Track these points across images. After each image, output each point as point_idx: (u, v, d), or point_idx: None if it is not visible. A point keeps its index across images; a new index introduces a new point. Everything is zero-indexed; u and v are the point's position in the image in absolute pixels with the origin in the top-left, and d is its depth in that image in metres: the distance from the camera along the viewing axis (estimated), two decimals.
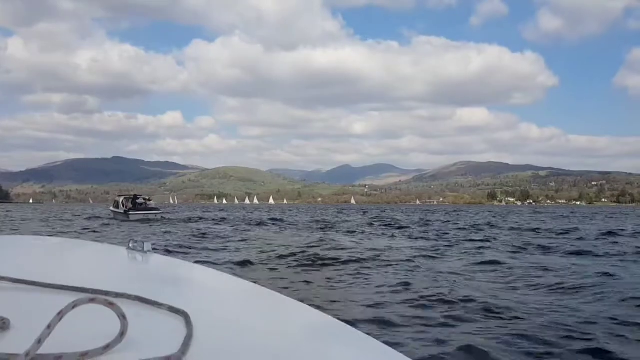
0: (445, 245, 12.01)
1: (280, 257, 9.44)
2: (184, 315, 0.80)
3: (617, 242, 13.35)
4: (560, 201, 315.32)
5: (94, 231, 18.22)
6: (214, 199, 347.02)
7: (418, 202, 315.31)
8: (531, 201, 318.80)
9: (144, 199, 32.46)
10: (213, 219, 30.33)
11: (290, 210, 63.60)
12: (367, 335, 0.81)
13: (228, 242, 13.33)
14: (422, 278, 6.83)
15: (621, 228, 20.91)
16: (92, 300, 0.67)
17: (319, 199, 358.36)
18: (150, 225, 22.02)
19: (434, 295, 5.48)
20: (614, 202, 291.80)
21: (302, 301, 1.04)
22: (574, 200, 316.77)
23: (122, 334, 0.67)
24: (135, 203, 30.81)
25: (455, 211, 61.79)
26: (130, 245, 1.53)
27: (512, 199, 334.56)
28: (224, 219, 31.13)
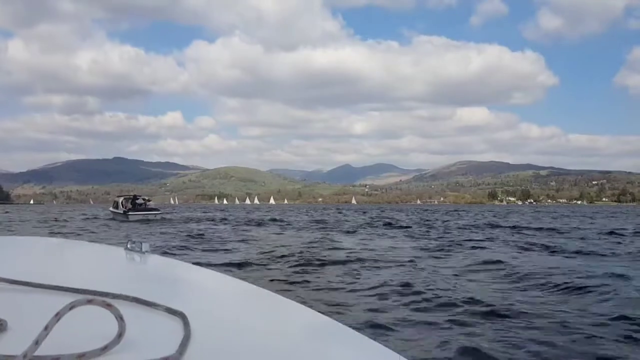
0: (447, 245, 11.90)
1: (279, 257, 9.34)
2: (182, 316, 0.80)
3: (620, 242, 13.25)
4: (561, 200, 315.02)
5: (92, 232, 18.10)
6: (214, 199, 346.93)
7: (419, 202, 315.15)
8: (532, 200, 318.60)
9: (144, 199, 32.37)
10: (213, 219, 30.27)
11: (291, 210, 63.53)
12: (366, 336, 0.81)
13: (227, 242, 13.24)
14: (423, 278, 6.71)
15: (623, 227, 20.82)
16: (89, 302, 0.67)
17: (320, 199, 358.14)
18: (150, 226, 21.93)
19: (435, 296, 5.37)
20: (615, 201, 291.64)
21: (300, 302, 1.04)
22: (575, 199, 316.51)
23: (120, 335, 0.67)
24: (134, 203, 30.73)
25: (455, 210, 61.72)
26: (128, 245, 1.53)
27: (512, 199, 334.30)
28: (224, 219, 31.06)
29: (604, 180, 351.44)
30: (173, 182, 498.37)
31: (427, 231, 18.30)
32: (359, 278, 6.89)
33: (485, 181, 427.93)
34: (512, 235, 15.88)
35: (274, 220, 29.20)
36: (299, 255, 9.49)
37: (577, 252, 10.40)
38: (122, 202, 30.87)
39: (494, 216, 38.09)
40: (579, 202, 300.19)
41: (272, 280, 6.86)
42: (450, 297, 5.35)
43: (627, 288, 5.83)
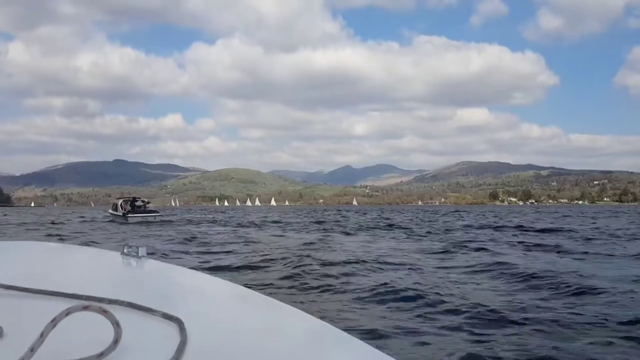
0: (450, 247, 11.66)
1: (278, 260, 9.12)
2: (178, 321, 0.79)
3: (625, 242, 13.01)
4: (562, 200, 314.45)
5: (88, 235, 17.86)
6: (215, 201, 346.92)
7: (420, 203, 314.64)
8: (533, 201, 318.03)
9: (143, 201, 32.29)
10: (213, 221, 30.07)
11: (292, 212, 63.32)
12: (363, 341, 0.80)
13: (227, 245, 13.02)
14: (426, 281, 6.52)
15: (626, 227, 20.59)
16: (85, 308, 0.67)
17: (321, 200, 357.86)
18: (149, 228, 21.71)
19: (439, 301, 5.19)
20: (616, 201, 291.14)
21: (297, 306, 1.03)
22: (576, 199, 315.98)
23: (116, 341, 0.67)
24: (134, 206, 30.69)
25: (456, 211, 61.48)
26: (125, 250, 1.52)
27: (514, 199, 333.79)
28: (224, 221, 30.87)
29: (605, 180, 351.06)
30: (174, 184, 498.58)
31: (429, 232, 18.07)
32: (359, 281, 6.65)
33: (486, 182, 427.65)
34: (516, 236, 15.64)
35: (275, 222, 29.02)
36: (298, 257, 9.27)
37: (584, 253, 10.19)
38: (121, 205, 30.78)
39: (496, 217, 37.85)
40: (580, 202, 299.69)
41: (270, 284, 6.64)
42: (455, 301, 5.14)
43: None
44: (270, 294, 1.05)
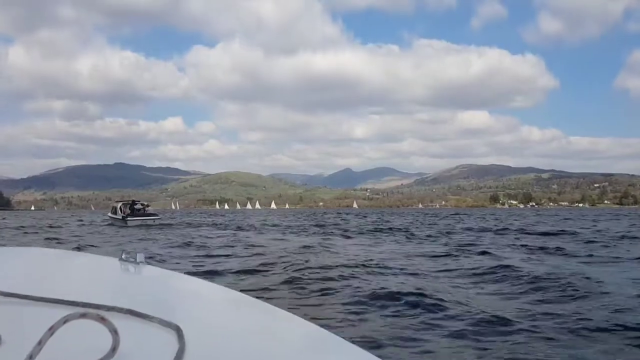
0: (452, 250, 11.52)
1: (277, 264, 8.98)
2: (176, 328, 0.79)
3: (630, 245, 12.86)
4: (562, 203, 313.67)
5: (86, 239, 17.71)
6: (215, 204, 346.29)
7: (420, 206, 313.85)
8: (534, 204, 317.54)
9: (142, 204, 32.19)
10: (213, 224, 29.94)
11: (292, 215, 63.19)
12: (362, 349, 0.80)
13: (225, 248, 12.88)
14: (425, 285, 6.39)
15: (627, 230, 20.44)
16: (83, 315, 0.66)
17: (321, 204, 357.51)
18: (148, 232, 21.57)
19: (438, 305, 5.03)
20: (617, 203, 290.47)
21: (295, 313, 1.02)
22: (577, 202, 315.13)
23: (114, 349, 0.67)
24: (133, 209, 30.60)
25: (457, 214, 61.28)
26: (123, 256, 1.52)
27: (514, 202, 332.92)
28: (224, 224, 30.74)
29: (606, 183, 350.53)
30: (174, 188, 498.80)
31: (430, 235, 17.91)
32: (359, 285, 6.49)
33: (487, 184, 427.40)
34: (518, 239, 15.48)
35: (275, 225, 28.89)
36: (298, 261, 9.14)
37: (588, 256, 10.04)
38: (120, 208, 30.71)
39: (497, 219, 37.69)
40: (580, 205, 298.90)
41: (269, 289, 6.52)
42: (459, 306, 4.97)
43: None
44: (268, 300, 1.03)
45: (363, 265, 8.47)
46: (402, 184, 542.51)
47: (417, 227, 24.48)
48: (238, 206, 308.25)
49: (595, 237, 15.88)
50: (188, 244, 14.09)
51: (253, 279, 7.57)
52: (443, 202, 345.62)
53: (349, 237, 17.40)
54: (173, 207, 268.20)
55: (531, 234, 18.23)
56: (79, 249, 12.41)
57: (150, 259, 9.50)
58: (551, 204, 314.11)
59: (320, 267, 8.29)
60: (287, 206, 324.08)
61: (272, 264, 9.05)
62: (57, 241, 15.83)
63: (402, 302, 5.29)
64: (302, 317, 1.02)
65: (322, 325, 0.93)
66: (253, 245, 13.77)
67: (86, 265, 1.69)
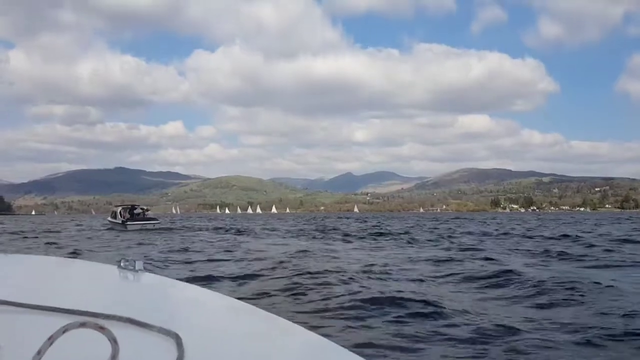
0: (455, 255, 11.37)
1: (276, 268, 8.86)
2: (175, 336, 0.79)
3: (634, 249, 12.71)
4: (563, 207, 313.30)
5: (82, 243, 17.56)
6: (216, 208, 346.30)
7: (421, 210, 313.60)
8: (535, 208, 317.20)
9: (142, 208, 32.20)
10: (213, 229, 29.81)
11: (293, 219, 63.05)
12: (362, 358, 0.80)
13: (225, 253, 12.76)
14: (427, 291, 6.28)
15: (629, 234, 20.28)
16: (82, 325, 0.66)
17: (321, 208, 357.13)
18: (147, 235, 21.43)
19: (441, 311, 4.88)
20: (618, 207, 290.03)
21: (295, 321, 1.02)
22: (578, 206, 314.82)
23: (114, 358, 0.67)
24: (132, 213, 30.63)
25: (457, 218, 61.11)
26: (122, 264, 1.51)
27: (515, 206, 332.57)
28: (224, 228, 30.61)
29: (607, 187, 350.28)
30: (174, 192, 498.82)
31: (432, 240, 17.77)
32: (360, 291, 6.27)
33: (488, 188, 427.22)
34: (521, 244, 15.34)
35: (275, 229, 28.79)
36: (298, 266, 9.02)
37: (593, 260, 9.89)
38: (120, 212, 30.72)
39: (499, 224, 37.54)
40: (581, 209, 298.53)
41: (268, 294, 6.42)
42: (462, 314, 4.80)
43: None
44: (268, 306, 0.91)
45: (363, 271, 8.33)
46: (402, 188, 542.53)
47: (418, 232, 24.34)
48: (239, 210, 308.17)
49: (598, 241, 15.74)
50: (187, 249, 13.97)
51: (252, 284, 7.44)
52: (444, 207, 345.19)
53: (349, 242, 17.28)
54: (174, 211, 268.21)
55: (533, 238, 18.10)
56: (75, 253, 12.29)
57: (149, 264, 9.37)
58: (552, 208, 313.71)
59: (321, 272, 8.15)
60: (287, 210, 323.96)
61: (271, 268, 8.93)
62: (55, 246, 15.70)
63: (404, 308, 5.14)
64: (301, 324, 1.01)
65: (321, 333, 0.92)
66: (253, 250, 13.64)
67: (84, 273, 1.69)
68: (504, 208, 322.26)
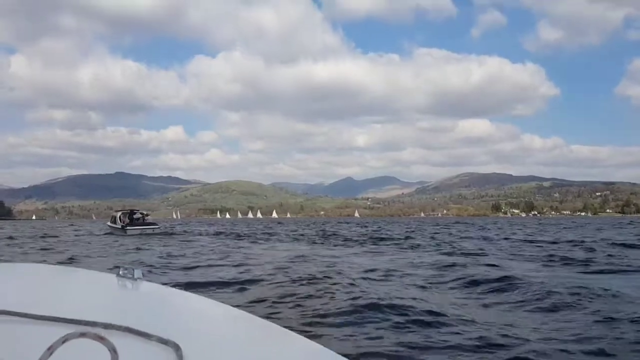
0: (453, 260, 11.21)
1: (276, 274, 8.71)
2: (175, 346, 0.79)
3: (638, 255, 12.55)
4: (564, 212, 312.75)
5: (79, 247, 17.40)
6: (216, 213, 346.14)
7: (422, 215, 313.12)
8: (536, 212, 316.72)
9: (142, 213, 32.18)
10: (213, 234, 29.68)
11: (294, 224, 62.90)
12: None
13: (225, 258, 12.61)
14: (428, 297, 6.15)
15: (632, 239, 20.12)
16: (82, 335, 0.67)
17: (322, 213, 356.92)
18: (146, 240, 21.28)
19: (444, 320, 4.73)
20: (619, 212, 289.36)
21: (295, 330, 1.01)
22: (579, 211, 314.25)
23: None
24: (132, 218, 30.57)
25: (457, 222, 60.94)
26: (120, 272, 1.51)
27: (516, 211, 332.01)
28: (224, 233, 30.49)
29: (608, 192, 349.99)
30: (175, 197, 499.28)
31: (433, 245, 17.62)
32: (361, 297, 6.03)
33: (489, 193, 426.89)
34: (523, 249, 15.18)
35: (276, 234, 28.68)
36: (298, 271, 8.86)
37: (596, 265, 9.73)
38: (119, 217, 30.71)
39: (500, 229, 37.39)
40: (582, 213, 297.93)
41: (268, 299, 6.27)
42: (465, 323, 4.65)
43: None
44: (267, 313, 0.93)
45: (363, 277, 8.19)
46: (403, 193, 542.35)
47: (419, 236, 24.18)
48: (239, 215, 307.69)
49: (600, 246, 15.58)
50: (186, 254, 13.82)
51: (252, 290, 7.29)
52: (445, 211, 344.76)
53: (349, 247, 17.14)
54: (174, 216, 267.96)
55: (535, 243, 17.95)
56: (72, 259, 12.16)
57: (147, 270, 9.24)
58: (553, 212, 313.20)
59: (320, 278, 8.03)
60: (288, 215, 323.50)
61: (271, 274, 8.78)
62: (51, 251, 15.56)
63: (405, 315, 4.98)
64: (300, 332, 1.01)
65: (320, 341, 0.92)
66: (252, 255, 13.51)
67: (83, 282, 1.67)
68: (505, 213, 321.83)
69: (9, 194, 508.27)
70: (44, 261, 11.39)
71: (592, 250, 14.09)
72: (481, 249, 14.91)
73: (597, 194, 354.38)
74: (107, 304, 1.31)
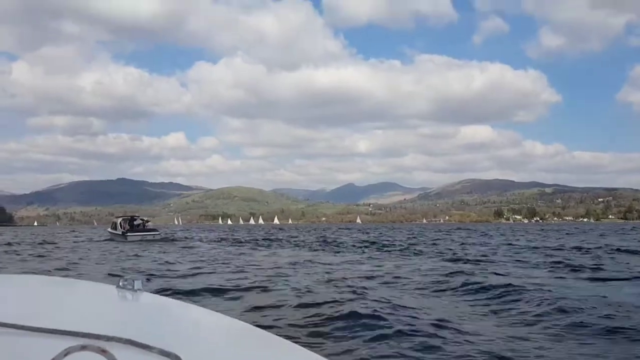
0: (457, 267, 11.04)
1: (277, 281, 8.57)
2: (176, 358, 0.79)
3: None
4: (567, 218, 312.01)
5: (78, 253, 17.23)
6: (218, 219, 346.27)
7: (424, 221, 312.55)
8: (538, 218, 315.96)
9: (142, 219, 32.07)
10: (214, 240, 29.54)
11: (295, 230, 62.77)
12: None
13: (226, 265, 12.45)
14: (432, 305, 5.99)
15: (636, 245, 19.91)
16: (84, 348, 0.67)
17: (323, 219, 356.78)
18: (146, 247, 21.12)
19: (444, 331, 4.59)
20: (621, 218, 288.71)
21: (296, 342, 1.01)
22: (581, 217, 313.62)
23: None
24: (132, 224, 30.47)
25: (459, 228, 60.72)
26: (120, 283, 1.51)
27: (519, 217, 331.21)
28: (226, 239, 30.35)
29: (610, 198, 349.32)
30: (176, 203, 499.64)
31: (436, 252, 17.45)
32: (363, 305, 5.80)
33: (491, 199, 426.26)
34: (527, 256, 14.98)
35: (277, 240, 28.58)
36: (299, 277, 8.73)
37: (605, 272, 9.54)
38: (120, 223, 30.61)
39: (502, 235, 37.18)
40: (585, 219, 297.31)
41: (270, 307, 6.16)
42: (471, 334, 4.50)
43: None
44: (267, 320, 0.88)
45: (364, 285, 8.02)
46: (405, 199, 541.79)
47: (421, 243, 24.01)
48: (241, 221, 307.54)
49: (605, 253, 15.40)
50: (186, 261, 13.67)
51: (252, 296, 7.16)
52: (447, 217, 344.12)
53: (350, 253, 16.98)
54: (176, 222, 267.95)
55: (538, 249, 17.75)
56: (69, 266, 12.01)
57: (147, 278, 9.08)
58: (555, 218, 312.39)
59: (321, 284, 7.91)
60: (290, 221, 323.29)
61: (271, 281, 8.64)
62: (49, 258, 15.42)
63: (408, 325, 4.79)
64: (301, 344, 1.00)
65: (322, 353, 0.93)
66: (253, 261, 13.36)
67: (83, 293, 1.67)
68: (507, 219, 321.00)
69: (10, 200, 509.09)
70: (41, 269, 11.26)
71: (597, 257, 13.90)
72: (484, 255, 14.73)
73: (600, 200, 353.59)
74: (107, 315, 1.30)
